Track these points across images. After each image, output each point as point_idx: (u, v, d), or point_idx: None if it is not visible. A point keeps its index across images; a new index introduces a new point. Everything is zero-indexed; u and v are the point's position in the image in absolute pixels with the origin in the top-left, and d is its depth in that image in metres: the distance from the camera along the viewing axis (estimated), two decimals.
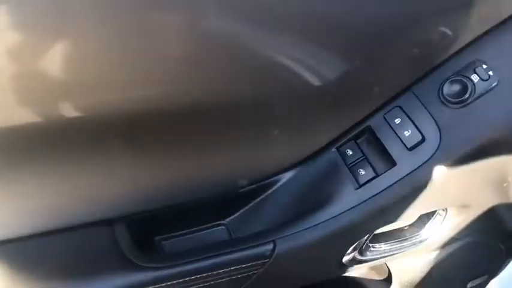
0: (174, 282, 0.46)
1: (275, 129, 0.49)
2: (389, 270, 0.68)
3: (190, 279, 0.47)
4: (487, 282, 0.77)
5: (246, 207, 0.55)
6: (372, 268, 0.70)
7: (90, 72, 0.38)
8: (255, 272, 0.49)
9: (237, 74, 0.43)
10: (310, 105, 0.47)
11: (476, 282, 0.73)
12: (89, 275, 0.46)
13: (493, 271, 0.76)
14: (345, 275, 0.65)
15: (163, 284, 0.46)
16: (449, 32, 0.43)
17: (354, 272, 0.67)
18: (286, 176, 0.53)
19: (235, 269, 0.47)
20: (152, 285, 0.46)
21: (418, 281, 0.65)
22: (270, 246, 0.48)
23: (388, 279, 0.68)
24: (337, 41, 0.43)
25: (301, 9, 0.39)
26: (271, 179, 0.54)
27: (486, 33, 0.45)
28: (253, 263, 0.48)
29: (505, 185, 0.50)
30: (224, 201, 0.55)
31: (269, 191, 0.54)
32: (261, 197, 0.54)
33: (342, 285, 0.69)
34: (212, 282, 0.47)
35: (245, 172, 0.53)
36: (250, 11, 0.38)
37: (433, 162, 0.45)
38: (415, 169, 0.46)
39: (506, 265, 0.81)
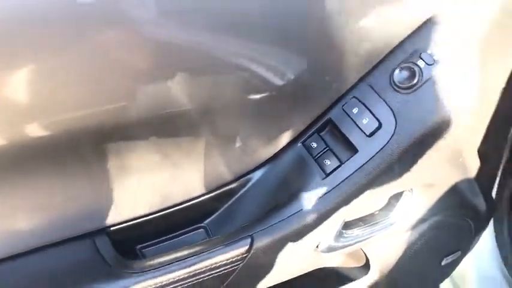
0: (158, 285, 0.48)
1: (242, 130, 0.51)
2: (366, 256, 0.70)
3: (173, 281, 0.48)
4: (461, 257, 0.81)
5: (223, 208, 0.57)
6: (350, 257, 0.72)
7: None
8: (236, 267, 0.50)
9: (201, 79, 0.46)
10: (272, 104, 0.49)
11: (450, 258, 0.76)
12: (73, 286, 0.47)
13: (465, 247, 0.80)
14: (324, 266, 0.68)
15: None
16: (391, 23, 0.47)
17: (333, 262, 0.69)
18: (258, 174, 0.55)
19: (216, 267, 0.49)
20: None
21: (394, 262, 0.68)
22: (247, 241, 0.50)
23: (366, 266, 0.70)
24: (290, 41, 0.46)
25: (253, 11, 0.42)
26: (244, 178, 0.56)
27: (425, 22, 0.48)
28: (233, 259, 0.50)
29: (460, 160, 0.54)
30: (201, 205, 0.57)
31: (243, 190, 0.56)
32: (236, 197, 0.56)
33: (322, 278, 0.71)
34: (195, 282, 0.49)
35: (218, 175, 0.55)
36: (203, 15, 0.40)
37: (391, 145, 0.48)
38: (376, 154, 0.49)
39: (477, 240, 0.85)
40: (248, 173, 0.56)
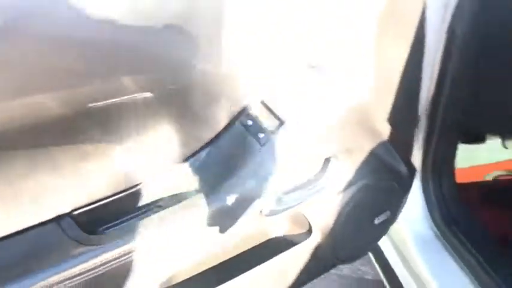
0: (119, 253, 0.54)
1: (186, 117, 0.59)
2: (309, 222, 0.80)
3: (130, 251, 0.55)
4: (392, 216, 0.92)
5: None
6: (294, 224, 0.81)
7: None
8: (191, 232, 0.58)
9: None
10: (207, 93, 0.57)
11: (382, 218, 0.87)
12: (42, 260, 0.53)
13: (394, 207, 0.92)
14: (273, 237, 0.77)
15: (109, 257, 0.54)
16: None
17: (280, 229, 0.79)
18: (204, 153, 0.63)
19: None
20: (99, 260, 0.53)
21: (332, 224, 0.77)
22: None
23: (310, 231, 0.80)
24: None
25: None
26: (192, 159, 0.63)
27: None
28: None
29: (371, 128, 0.65)
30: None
31: (192, 168, 0.63)
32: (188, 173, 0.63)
33: (271, 246, 0.79)
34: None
35: (168, 157, 0.63)
36: None
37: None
38: (300, 123, 0.58)
39: (405, 201, 0.97)
40: (194, 154, 0.63)
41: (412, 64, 0.70)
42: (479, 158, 1.52)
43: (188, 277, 0.69)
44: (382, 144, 0.71)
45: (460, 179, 1.44)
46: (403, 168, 0.85)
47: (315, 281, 1.13)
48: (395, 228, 1.09)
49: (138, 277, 0.58)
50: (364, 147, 0.69)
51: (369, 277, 1.60)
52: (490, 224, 1.31)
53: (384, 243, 1.16)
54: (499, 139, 1.47)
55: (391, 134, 0.72)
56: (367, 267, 1.60)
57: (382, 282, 1.23)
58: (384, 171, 0.79)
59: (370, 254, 1.25)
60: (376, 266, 1.22)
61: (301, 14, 0.55)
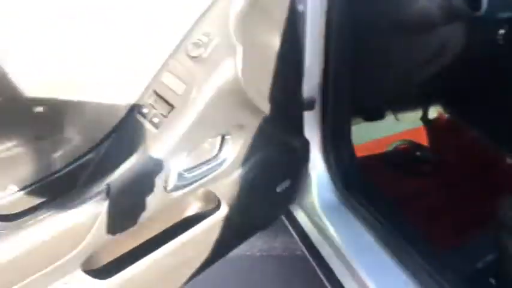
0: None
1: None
2: (217, 197, 0.90)
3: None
4: (293, 184, 1.05)
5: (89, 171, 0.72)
6: (206, 202, 0.91)
7: None
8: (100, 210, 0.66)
9: None
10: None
11: (284, 186, 1.00)
12: None
13: (293, 176, 1.05)
14: (187, 216, 0.87)
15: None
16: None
17: (191, 209, 0.88)
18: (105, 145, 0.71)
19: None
20: None
21: (237, 195, 0.89)
22: (105, 189, 0.66)
23: (219, 204, 0.90)
24: None
25: None
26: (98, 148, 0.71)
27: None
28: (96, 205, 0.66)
29: (254, 105, 0.76)
30: (69, 175, 0.71)
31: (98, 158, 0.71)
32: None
33: (185, 223, 0.88)
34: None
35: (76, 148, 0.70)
36: None
37: (198, 99, 0.69)
38: (188, 107, 0.68)
39: (305, 170, 1.11)
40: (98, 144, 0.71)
41: (288, 51, 0.83)
42: (381, 132, 1.71)
43: (110, 257, 0.77)
44: (270, 121, 0.83)
45: (367, 151, 1.63)
46: (294, 142, 0.99)
47: (248, 263, 1.26)
48: (306, 196, 1.23)
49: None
50: (253, 124, 0.80)
51: (299, 252, 1.74)
52: (393, 185, 1.50)
53: (298, 212, 1.29)
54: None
55: (278, 111, 0.84)
56: (295, 244, 1.74)
57: (308, 263, 1.36)
58: (276, 144, 0.92)
59: (291, 228, 1.38)
60: (295, 236, 1.35)
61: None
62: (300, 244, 1.35)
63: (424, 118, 1.68)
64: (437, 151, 1.65)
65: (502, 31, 1.15)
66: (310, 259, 1.27)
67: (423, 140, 1.71)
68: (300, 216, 1.30)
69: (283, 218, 1.39)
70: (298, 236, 1.32)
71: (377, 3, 1.07)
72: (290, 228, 1.37)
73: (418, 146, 1.68)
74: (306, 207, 1.27)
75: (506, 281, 1.01)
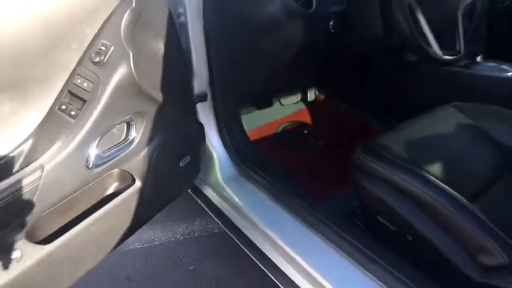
0: None
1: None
2: (131, 175, 1.11)
3: None
4: (194, 159, 1.30)
5: None
6: (122, 181, 1.11)
7: None
8: (37, 185, 0.86)
9: None
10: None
11: (185, 160, 1.24)
12: None
13: (193, 152, 1.29)
14: (109, 193, 1.07)
15: None
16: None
17: (111, 187, 1.08)
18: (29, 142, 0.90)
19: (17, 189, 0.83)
20: None
21: (147, 170, 1.11)
22: (40, 168, 0.86)
23: (133, 180, 1.12)
24: None
25: None
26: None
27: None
28: (32, 181, 0.85)
29: (146, 94, 1.00)
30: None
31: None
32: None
33: (107, 199, 1.07)
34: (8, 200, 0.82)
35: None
36: None
37: (101, 93, 0.91)
38: (96, 99, 0.90)
39: (203, 147, 1.36)
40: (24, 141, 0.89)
41: (172, 53, 1.08)
42: (272, 117, 2.02)
43: (49, 231, 0.95)
44: (165, 108, 1.06)
45: (261, 134, 1.92)
46: (190, 125, 1.24)
47: (173, 246, 1.46)
48: (210, 174, 1.48)
49: None
50: (151, 110, 1.04)
51: (216, 230, 1.98)
52: (284, 158, 1.81)
53: (206, 189, 1.54)
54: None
55: (170, 101, 1.09)
56: (213, 223, 1.98)
57: (225, 233, 1.59)
58: (173, 127, 1.16)
59: (203, 204, 1.61)
60: (206, 209, 1.59)
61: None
62: (213, 217, 1.59)
63: (304, 100, 2.02)
64: (318, 126, 2.00)
65: (331, 22, 1.51)
66: (219, 223, 1.51)
67: (307, 118, 2.05)
68: (208, 192, 1.55)
69: (197, 199, 1.63)
70: (209, 208, 1.57)
71: (239, 12, 1.36)
72: (202, 204, 1.61)
73: (303, 125, 2.01)
74: (211, 183, 1.52)
75: (367, 213, 1.32)
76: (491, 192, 1.10)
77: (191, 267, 1.80)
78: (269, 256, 1.27)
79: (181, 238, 1.96)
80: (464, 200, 1.02)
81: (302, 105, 2.05)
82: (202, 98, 1.40)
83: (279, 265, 1.24)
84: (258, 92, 1.73)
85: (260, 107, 1.96)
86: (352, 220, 1.30)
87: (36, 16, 0.80)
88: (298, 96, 2.01)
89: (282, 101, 1.96)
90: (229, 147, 1.49)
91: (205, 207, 1.58)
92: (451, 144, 1.22)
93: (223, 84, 1.40)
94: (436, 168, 1.10)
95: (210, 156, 1.46)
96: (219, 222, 1.52)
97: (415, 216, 1.06)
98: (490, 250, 0.94)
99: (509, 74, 1.60)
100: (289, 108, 2.02)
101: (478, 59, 1.70)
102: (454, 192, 1.03)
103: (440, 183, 1.05)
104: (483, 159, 1.20)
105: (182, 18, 1.28)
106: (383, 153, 1.15)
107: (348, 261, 1.10)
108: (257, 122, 1.92)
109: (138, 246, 1.91)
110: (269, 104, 1.97)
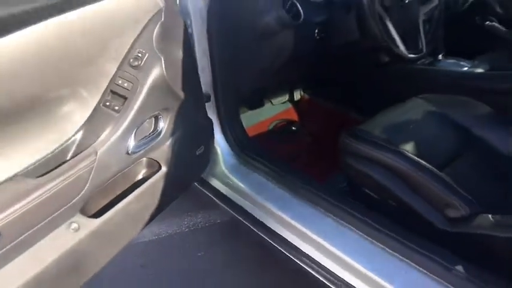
0: None
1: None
2: (158, 162, 1.32)
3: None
4: (206, 150, 1.51)
5: None
6: (150, 168, 1.31)
7: None
8: (92, 166, 1.05)
9: None
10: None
11: (200, 150, 1.46)
12: None
13: (205, 144, 1.51)
14: (141, 178, 1.27)
15: None
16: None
17: (142, 173, 1.29)
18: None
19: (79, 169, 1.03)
20: None
21: (171, 158, 1.32)
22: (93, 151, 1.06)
23: (160, 167, 1.32)
24: None
25: None
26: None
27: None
28: (89, 163, 1.05)
29: (172, 92, 1.21)
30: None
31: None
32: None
33: (140, 182, 1.28)
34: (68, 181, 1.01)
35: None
36: None
37: (139, 93, 1.12)
38: (134, 98, 1.11)
39: (213, 140, 1.58)
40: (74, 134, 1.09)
41: (187, 59, 1.29)
42: (264, 116, 2.24)
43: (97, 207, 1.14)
44: (185, 105, 1.28)
45: (256, 131, 2.14)
46: (203, 120, 1.46)
47: (180, 237, 1.63)
48: (215, 166, 1.68)
49: None
50: (174, 107, 1.25)
51: (219, 221, 2.17)
52: (277, 150, 2.03)
53: (212, 180, 1.74)
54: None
55: (189, 99, 1.30)
56: (215, 214, 2.17)
57: (229, 221, 1.76)
58: (191, 121, 1.37)
59: (211, 195, 1.79)
60: (214, 198, 1.78)
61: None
62: (219, 203, 1.77)
63: (291, 100, 2.26)
64: (304, 123, 2.24)
65: (316, 30, 1.77)
66: (231, 211, 1.69)
67: (295, 116, 2.29)
68: (215, 182, 1.75)
69: (205, 191, 1.81)
70: (216, 197, 1.75)
71: (239, 22, 1.59)
72: (210, 195, 1.79)
73: (292, 122, 2.25)
74: (217, 175, 1.72)
75: (354, 187, 1.55)
76: (455, 163, 1.36)
77: (199, 254, 1.98)
78: (277, 231, 1.48)
79: (187, 230, 2.15)
80: (434, 169, 1.26)
81: (289, 105, 2.28)
82: (206, 98, 1.62)
83: (287, 238, 1.44)
84: (252, 94, 1.96)
85: (253, 107, 2.18)
86: (344, 196, 1.53)
87: (88, 33, 1.00)
88: (286, 97, 2.24)
89: (272, 101, 2.19)
90: (231, 141, 1.69)
91: (212, 197, 1.76)
92: (420, 127, 1.48)
93: (224, 87, 1.62)
94: (409, 146, 1.35)
95: (214, 151, 1.67)
96: (226, 208, 1.70)
97: (394, 185, 1.31)
98: (454, 205, 1.19)
99: (465, 68, 1.89)
100: (278, 108, 2.25)
101: (440, 57, 1.99)
102: (425, 163, 1.28)
103: (413, 156, 1.30)
104: (447, 138, 1.46)
105: (190, 30, 1.50)
106: (365, 137, 1.40)
107: (347, 227, 1.32)
108: (251, 121, 2.14)
109: (147, 239, 2.08)
110: (261, 104, 2.19)
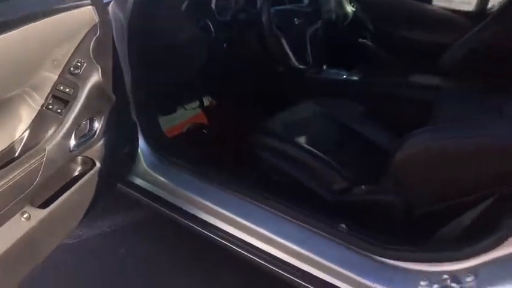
0: None
1: None
2: (93, 160, 1.48)
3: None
4: (132, 149, 1.69)
5: None
6: (85, 165, 1.47)
7: None
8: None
9: None
10: None
11: (127, 149, 1.64)
12: None
13: (130, 144, 1.69)
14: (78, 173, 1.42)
15: None
16: None
17: (78, 169, 1.44)
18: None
19: None
20: None
21: (104, 155, 1.49)
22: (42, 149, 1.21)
23: (94, 164, 1.49)
24: None
25: None
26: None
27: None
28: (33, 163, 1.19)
29: (105, 96, 1.40)
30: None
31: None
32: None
33: (77, 177, 1.43)
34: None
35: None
36: None
37: (78, 100, 1.29)
38: (76, 101, 1.28)
39: (137, 141, 1.77)
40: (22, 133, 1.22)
41: (117, 66, 1.48)
42: (179, 119, 2.43)
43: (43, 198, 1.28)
44: (115, 107, 1.47)
45: (171, 134, 2.32)
46: (128, 121, 1.65)
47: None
48: (138, 166, 1.85)
49: None
50: (106, 109, 1.43)
51: (138, 219, 2.31)
52: (190, 150, 2.24)
53: (136, 180, 1.90)
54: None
55: (118, 102, 1.49)
56: (134, 214, 2.30)
57: (154, 215, 1.91)
58: (120, 123, 1.56)
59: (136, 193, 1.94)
60: (140, 196, 1.93)
61: None
62: (147, 201, 1.91)
63: (201, 106, 2.51)
64: (213, 127, 2.51)
65: (225, 45, 2.08)
66: (154, 205, 1.85)
67: (205, 120, 2.53)
68: (139, 182, 1.91)
69: (129, 189, 1.95)
70: (142, 194, 1.90)
71: (155, 36, 1.81)
72: (136, 194, 1.93)
73: (203, 126, 2.49)
74: (140, 174, 1.88)
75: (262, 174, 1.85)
76: (338, 151, 1.74)
77: (121, 250, 2.11)
78: (199, 216, 1.69)
79: (108, 230, 2.25)
80: (322, 154, 1.63)
81: (199, 110, 2.52)
82: None
83: (209, 221, 1.66)
84: (166, 100, 2.17)
85: (167, 112, 2.37)
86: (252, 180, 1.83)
87: (31, 44, 1.15)
88: (197, 103, 2.49)
89: (185, 106, 2.42)
90: (150, 141, 1.84)
91: (136, 194, 1.91)
92: (310, 123, 1.85)
93: (142, 93, 1.81)
94: (302, 138, 1.71)
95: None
96: (149, 201, 1.86)
97: (293, 168, 1.65)
98: (338, 180, 1.56)
99: (344, 76, 2.36)
100: (190, 113, 2.48)
101: (324, 67, 2.44)
102: (315, 150, 1.64)
103: (306, 146, 1.65)
104: (332, 131, 1.85)
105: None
106: (269, 132, 1.72)
107: (255, 205, 1.61)
108: (168, 124, 2.32)
109: (69, 242, 2.14)
110: (174, 109, 2.39)
